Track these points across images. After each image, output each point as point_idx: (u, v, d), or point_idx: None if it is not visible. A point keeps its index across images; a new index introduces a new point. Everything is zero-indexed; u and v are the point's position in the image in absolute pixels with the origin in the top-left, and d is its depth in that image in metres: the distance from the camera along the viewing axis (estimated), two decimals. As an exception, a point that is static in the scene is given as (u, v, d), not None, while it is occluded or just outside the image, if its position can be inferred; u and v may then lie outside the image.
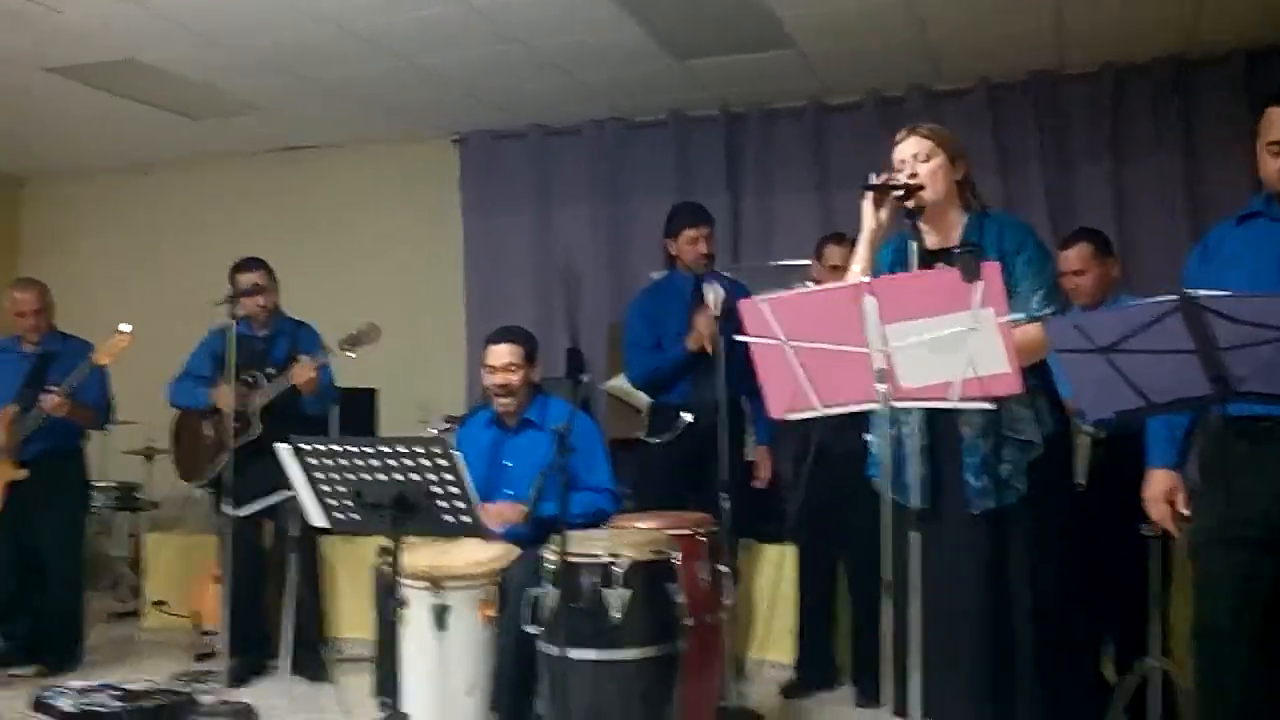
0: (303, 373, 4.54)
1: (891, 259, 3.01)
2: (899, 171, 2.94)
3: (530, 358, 4.04)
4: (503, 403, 4.01)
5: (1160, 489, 2.93)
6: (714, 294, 4.11)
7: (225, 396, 4.67)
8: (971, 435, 2.84)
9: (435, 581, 3.49)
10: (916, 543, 2.63)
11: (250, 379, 4.73)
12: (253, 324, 4.86)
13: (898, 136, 3.03)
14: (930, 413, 2.81)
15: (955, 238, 2.93)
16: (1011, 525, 2.84)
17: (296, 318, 5.04)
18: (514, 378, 3.98)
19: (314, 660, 4.62)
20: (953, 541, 2.84)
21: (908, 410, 2.78)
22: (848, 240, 4.52)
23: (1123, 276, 4.06)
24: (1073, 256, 3.95)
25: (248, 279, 4.80)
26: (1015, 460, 2.83)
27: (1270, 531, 2.64)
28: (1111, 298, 3.93)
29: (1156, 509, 2.93)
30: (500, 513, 3.76)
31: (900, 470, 2.81)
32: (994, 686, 2.83)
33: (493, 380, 3.99)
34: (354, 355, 4.48)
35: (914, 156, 2.94)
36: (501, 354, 3.99)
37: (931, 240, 2.96)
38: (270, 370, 4.71)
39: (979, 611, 2.83)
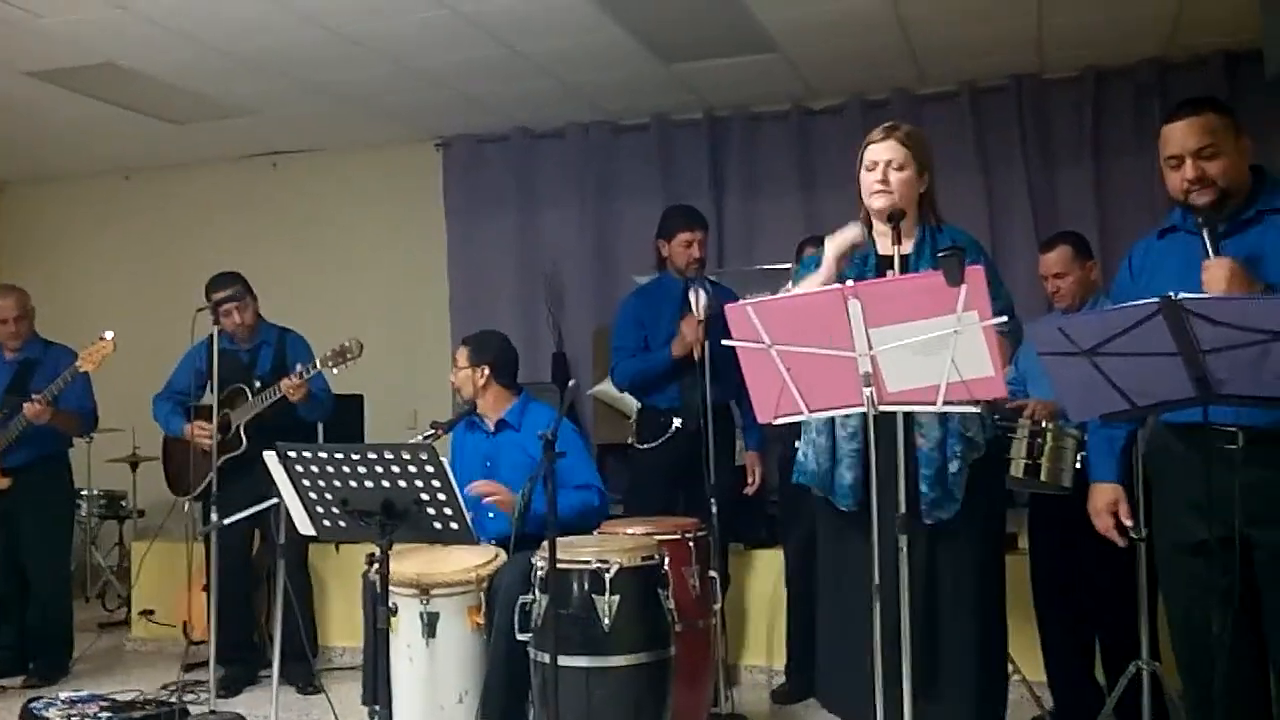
0: (292, 386, 4.49)
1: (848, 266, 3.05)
2: (870, 170, 2.98)
3: (477, 359, 4.05)
4: (466, 409, 4.10)
5: (1103, 501, 2.98)
6: (699, 299, 4.12)
7: (200, 434, 4.62)
8: (929, 447, 2.88)
9: (424, 589, 3.49)
10: (905, 545, 2.64)
11: (237, 392, 4.69)
12: (235, 338, 4.81)
13: (874, 135, 3.03)
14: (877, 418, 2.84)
15: (907, 247, 2.96)
16: (952, 534, 2.91)
17: (281, 325, 5.00)
18: (456, 377, 4.08)
19: (304, 670, 4.60)
20: (912, 550, 2.87)
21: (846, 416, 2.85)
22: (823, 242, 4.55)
23: (1101, 279, 4.08)
24: (1053, 259, 3.98)
25: (218, 298, 4.67)
26: (964, 458, 2.89)
27: (1223, 533, 2.66)
28: (1090, 300, 3.95)
29: (1101, 521, 2.98)
30: (494, 487, 3.75)
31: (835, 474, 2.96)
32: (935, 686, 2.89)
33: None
34: (337, 372, 4.47)
35: (888, 163, 2.96)
36: (460, 354, 4.10)
37: (883, 246, 2.98)
38: (256, 384, 4.67)
39: (926, 616, 2.87)
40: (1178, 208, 2.83)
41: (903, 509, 2.70)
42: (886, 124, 3.07)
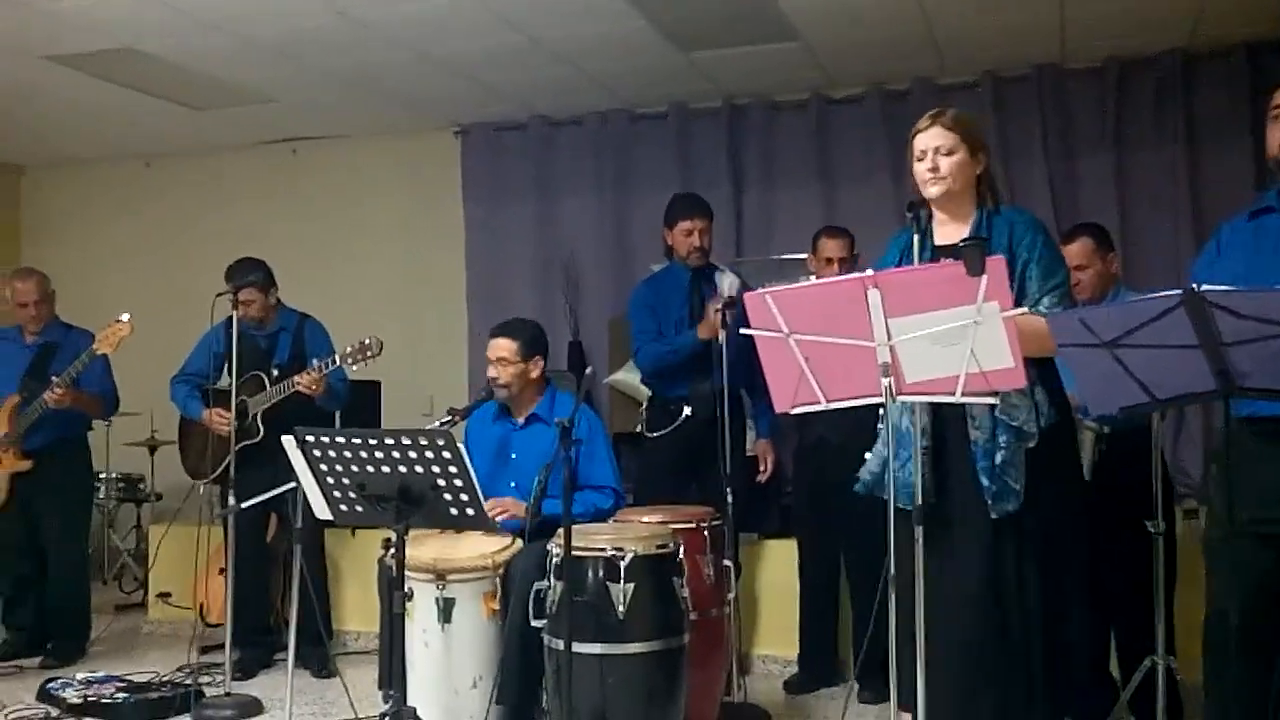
0: (309, 382, 4.48)
1: (899, 254, 3.00)
2: (920, 160, 2.91)
3: (529, 352, 4.02)
4: (501, 396, 4.01)
5: None
6: (728, 282, 4.10)
7: (217, 420, 4.66)
8: (984, 439, 2.82)
9: (440, 574, 3.50)
10: (921, 539, 2.63)
11: (254, 378, 4.70)
12: (253, 323, 4.82)
13: (920, 123, 2.96)
14: (935, 412, 2.81)
15: (964, 233, 2.91)
16: (1018, 528, 2.82)
17: (301, 310, 5.00)
18: (505, 372, 3.98)
19: (319, 653, 4.62)
20: (962, 543, 2.83)
21: (910, 410, 2.78)
22: (842, 233, 4.54)
23: (1122, 271, 4.05)
24: (1074, 251, 3.94)
25: (235, 285, 4.61)
26: (1010, 447, 2.79)
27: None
28: (1111, 293, 3.92)
29: None
30: (503, 505, 3.76)
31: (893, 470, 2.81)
32: (997, 686, 2.83)
33: (488, 373, 4.00)
34: (356, 369, 4.47)
35: (936, 150, 2.90)
36: (497, 347, 4.01)
37: (941, 235, 2.95)
38: (274, 371, 4.68)
39: (984, 613, 2.82)
40: (1273, 189, 2.79)
41: (919, 500, 2.70)
42: (932, 111, 3.00)
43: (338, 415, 5.03)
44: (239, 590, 4.70)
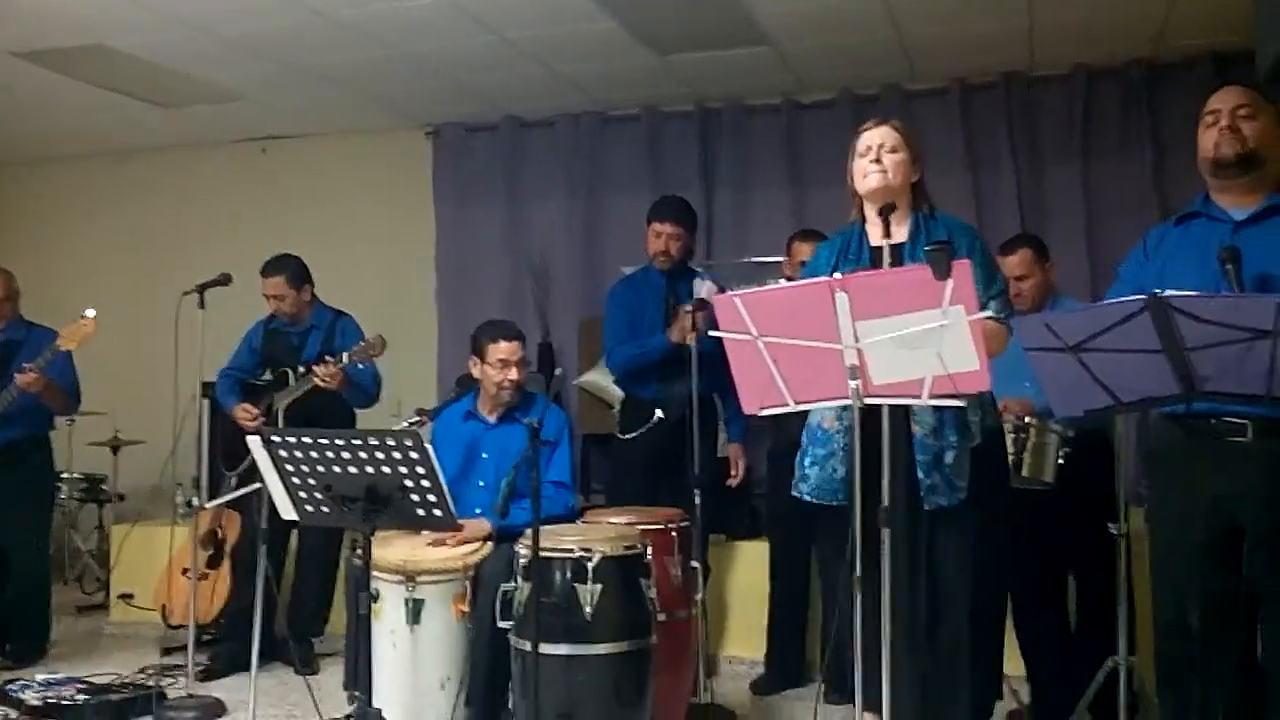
0: (325, 374, 4.47)
1: (831, 255, 3.05)
2: (863, 155, 2.98)
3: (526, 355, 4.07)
4: (510, 399, 3.99)
5: None
6: (706, 287, 4.11)
7: (242, 416, 4.74)
8: (923, 434, 2.89)
9: (409, 575, 3.48)
10: (888, 540, 2.64)
11: (283, 374, 4.76)
12: (286, 320, 4.88)
13: (866, 124, 3.06)
14: (871, 410, 2.83)
15: (901, 235, 2.97)
16: (955, 523, 2.91)
17: (338, 309, 5.01)
18: (523, 374, 4.00)
19: (304, 650, 4.61)
20: (900, 538, 2.86)
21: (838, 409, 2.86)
22: (816, 235, 4.56)
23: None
24: (1015, 262, 3.97)
25: (265, 284, 4.82)
26: (960, 448, 2.89)
27: (1221, 532, 2.67)
28: (1050, 301, 3.96)
29: None
30: (471, 529, 3.72)
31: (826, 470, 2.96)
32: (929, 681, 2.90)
33: (505, 376, 3.95)
34: (362, 367, 4.48)
35: (880, 145, 2.98)
36: (514, 349, 3.98)
37: (876, 237, 2.98)
38: (301, 368, 4.68)
39: (917, 609, 2.88)
40: (1200, 194, 2.84)
41: (886, 502, 2.71)
42: (876, 118, 3.11)
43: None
44: (242, 581, 4.68)
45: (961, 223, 3.09)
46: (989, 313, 2.73)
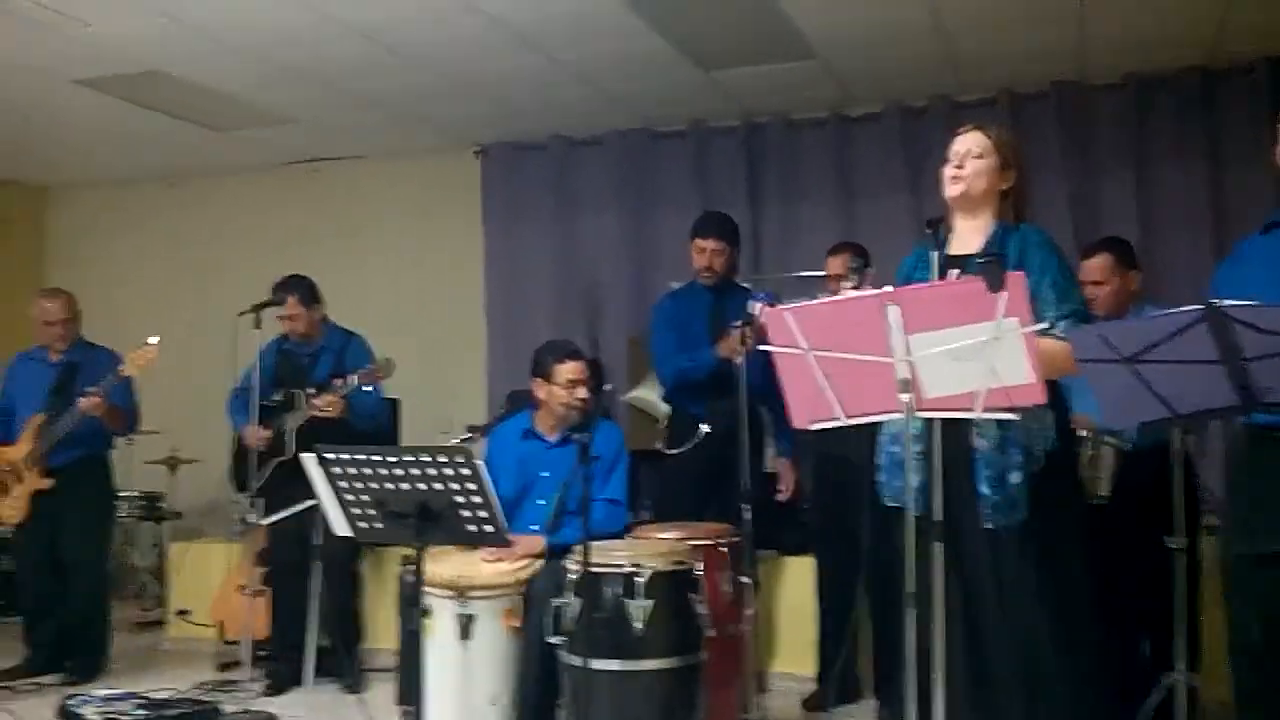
0: (325, 404, 4.53)
1: (913, 265, 3.01)
2: (950, 161, 2.94)
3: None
4: (577, 418, 4.00)
5: None
6: (759, 307, 4.08)
7: (250, 436, 4.74)
8: (987, 448, 2.82)
9: (461, 591, 3.50)
10: (940, 555, 2.61)
11: (293, 395, 4.75)
12: (299, 339, 4.90)
13: (960, 129, 3.01)
14: (938, 422, 2.80)
15: (977, 244, 2.92)
16: (1021, 544, 2.81)
17: (349, 329, 5.04)
18: (585, 396, 4.01)
19: (349, 668, 4.64)
20: (971, 555, 2.82)
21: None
22: (844, 247, 4.54)
23: (1144, 289, 4.03)
24: (1093, 266, 3.93)
25: (267, 301, 4.78)
26: (1024, 469, 2.80)
27: None
28: (1132, 310, 3.90)
29: None
30: (525, 545, 3.74)
31: (899, 475, 2.85)
32: (1018, 702, 2.81)
33: (573, 394, 3.97)
34: (370, 389, 4.51)
35: (967, 152, 2.94)
36: (580, 368, 4.01)
37: (956, 244, 2.95)
38: (310, 389, 4.71)
39: (994, 627, 2.81)
40: None
41: (938, 515, 2.68)
42: (976, 121, 3.06)
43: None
44: (278, 604, 4.73)
45: (1043, 236, 2.98)
46: (1044, 325, 2.67)
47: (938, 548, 2.61)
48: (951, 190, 2.93)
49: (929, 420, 2.65)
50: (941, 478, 2.66)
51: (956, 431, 2.77)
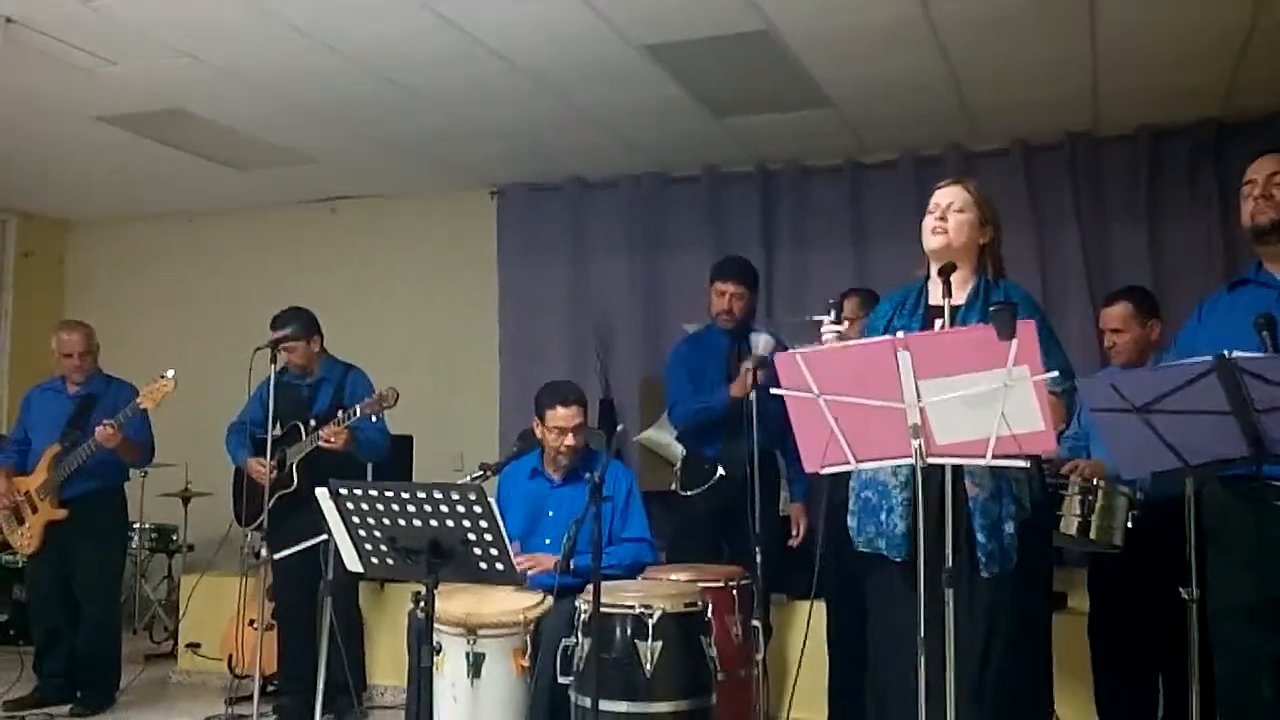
0: (330, 435, 4.55)
1: (889, 309, 3.05)
2: (931, 213, 3.02)
3: (587, 414, 4.11)
4: (566, 462, 4.04)
5: None
6: (763, 341, 4.13)
7: (255, 469, 4.74)
8: (984, 497, 2.85)
9: (471, 629, 3.50)
10: (951, 601, 2.62)
11: (295, 428, 4.76)
12: (297, 372, 4.91)
13: (941, 183, 3.10)
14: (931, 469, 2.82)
15: (960, 297, 2.97)
16: (1002, 590, 2.87)
17: (347, 361, 5.05)
18: (581, 438, 4.05)
19: (350, 706, 4.62)
20: (967, 602, 2.83)
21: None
22: (855, 293, 4.57)
23: (1160, 339, 4.04)
24: (1113, 315, 3.96)
25: (274, 338, 4.72)
26: (1015, 516, 2.86)
27: (1276, 594, 2.61)
28: (1152, 359, 3.91)
29: None
30: (534, 559, 3.77)
31: (874, 520, 2.95)
32: None
33: (563, 442, 4.02)
34: (375, 420, 4.54)
35: (949, 205, 3.01)
36: (571, 415, 4.03)
37: (936, 296, 2.99)
38: (312, 421, 4.74)
39: (975, 671, 2.84)
40: (1253, 262, 2.84)
41: (949, 562, 2.69)
42: (954, 177, 3.14)
43: (370, 469, 5.07)
44: (286, 639, 4.72)
45: (1024, 292, 3.08)
46: (1054, 374, 2.69)
47: (949, 594, 2.62)
48: (935, 242, 2.99)
49: (915, 468, 2.67)
50: (937, 524, 2.68)
51: (948, 480, 2.79)
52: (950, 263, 2.91)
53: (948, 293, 2.86)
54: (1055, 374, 2.69)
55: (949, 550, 2.67)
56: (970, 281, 3.02)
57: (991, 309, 2.53)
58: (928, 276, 3.06)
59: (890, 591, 2.94)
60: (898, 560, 2.91)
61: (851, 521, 3.05)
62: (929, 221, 3.02)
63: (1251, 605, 2.62)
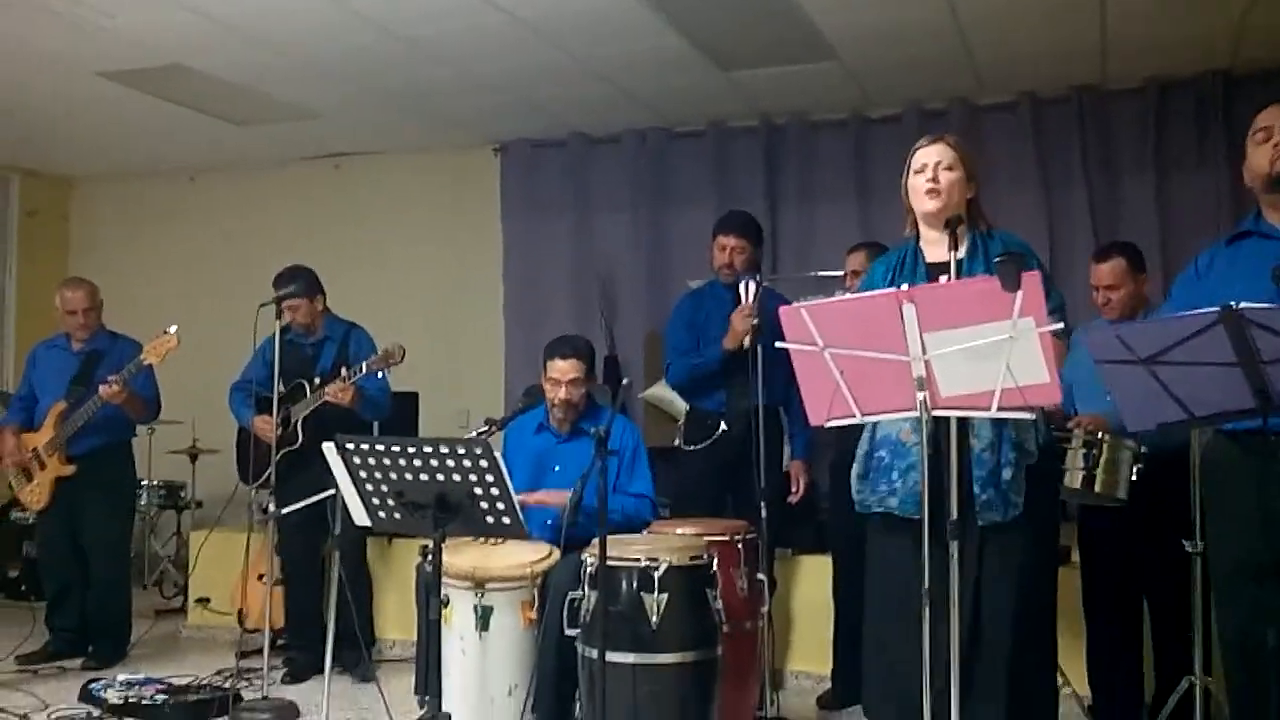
0: (336, 391, 4.55)
1: (887, 271, 3.04)
2: (919, 173, 2.98)
3: (590, 369, 4.11)
4: (563, 415, 4.05)
5: None
6: (749, 290, 4.12)
7: (262, 427, 4.74)
8: (980, 448, 2.85)
9: (479, 582, 3.53)
10: (957, 554, 2.62)
11: (299, 386, 4.77)
12: (300, 330, 4.92)
13: (920, 143, 3.05)
14: (939, 423, 2.82)
15: (959, 253, 2.93)
16: (1010, 539, 2.85)
17: (349, 320, 5.05)
18: (576, 392, 4.04)
19: (359, 659, 4.67)
20: (967, 553, 2.84)
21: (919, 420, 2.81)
22: (863, 247, 4.56)
23: (1149, 296, 4.03)
24: (1106, 271, 3.94)
25: (278, 295, 4.66)
26: (1017, 465, 2.85)
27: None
28: (1142, 314, 3.91)
29: None
30: (541, 498, 3.79)
31: (887, 479, 2.93)
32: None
33: (557, 394, 4.03)
34: (381, 376, 4.55)
35: (937, 164, 2.97)
36: (566, 369, 4.02)
37: (931, 254, 2.97)
38: (316, 379, 4.74)
39: (973, 621, 2.84)
40: (1251, 214, 2.82)
41: (954, 515, 2.70)
42: (932, 135, 3.10)
43: (376, 426, 5.08)
44: (293, 595, 4.76)
45: (1018, 240, 3.06)
46: (1060, 325, 2.69)
47: (953, 546, 2.62)
48: (930, 204, 2.95)
49: (926, 423, 2.67)
50: (947, 479, 2.68)
51: (956, 432, 2.79)
52: (957, 215, 2.89)
53: (955, 245, 2.84)
54: (1060, 325, 2.69)
55: (953, 505, 2.67)
56: (965, 237, 2.98)
57: (997, 260, 2.52)
58: (917, 236, 3.04)
59: (902, 550, 2.91)
60: (914, 518, 2.84)
61: (857, 484, 3.04)
62: (919, 183, 2.98)
63: (1258, 561, 2.62)
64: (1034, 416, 2.67)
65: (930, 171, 2.97)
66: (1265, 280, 2.60)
